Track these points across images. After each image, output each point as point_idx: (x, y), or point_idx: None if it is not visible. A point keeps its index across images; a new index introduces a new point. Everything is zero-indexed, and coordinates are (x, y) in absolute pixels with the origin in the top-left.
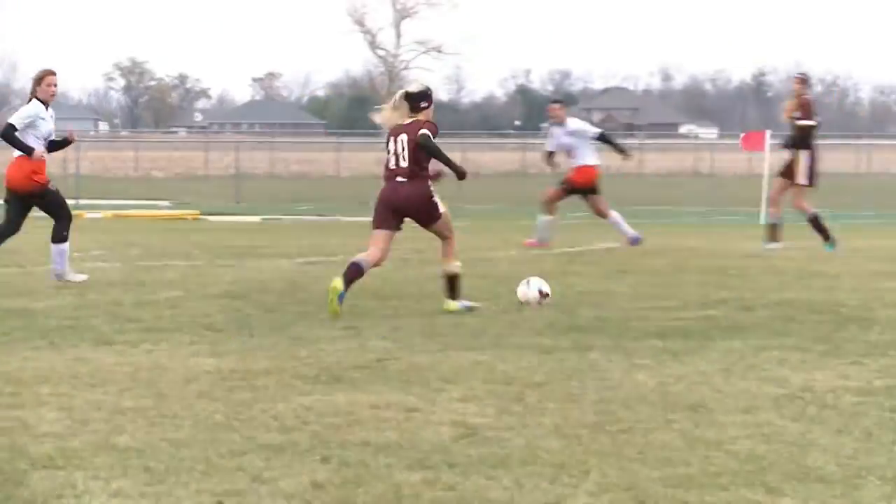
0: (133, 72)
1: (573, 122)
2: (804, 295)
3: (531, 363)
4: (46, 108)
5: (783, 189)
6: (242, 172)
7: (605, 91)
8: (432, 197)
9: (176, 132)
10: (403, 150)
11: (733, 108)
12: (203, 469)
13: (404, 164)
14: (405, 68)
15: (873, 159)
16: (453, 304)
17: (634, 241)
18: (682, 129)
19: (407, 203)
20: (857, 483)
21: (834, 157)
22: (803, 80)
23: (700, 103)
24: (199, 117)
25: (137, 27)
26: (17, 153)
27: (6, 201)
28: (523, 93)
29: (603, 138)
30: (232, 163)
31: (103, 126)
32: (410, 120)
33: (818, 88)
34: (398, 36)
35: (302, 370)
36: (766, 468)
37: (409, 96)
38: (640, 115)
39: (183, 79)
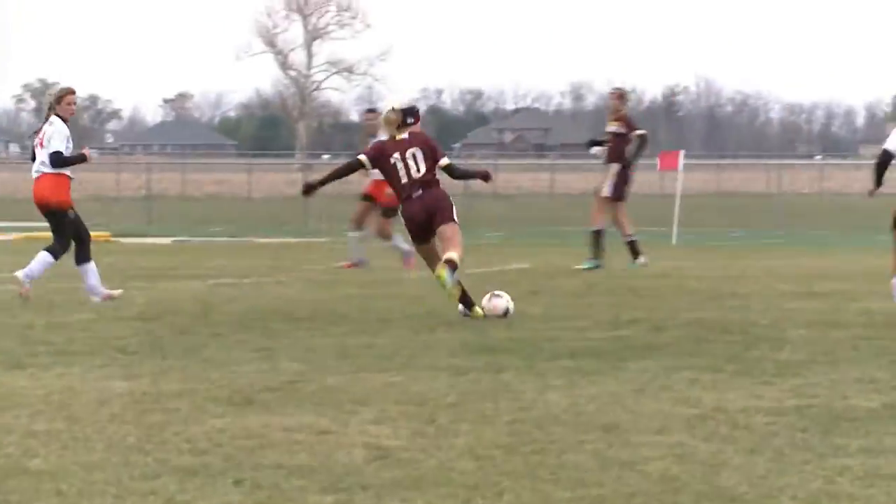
0: (43, 93)
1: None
2: (715, 315)
3: (444, 384)
4: (66, 124)
5: (615, 208)
6: (154, 194)
7: (517, 111)
8: (449, 197)
9: None
10: (416, 161)
11: (644, 127)
12: (115, 492)
13: (418, 174)
14: (316, 89)
15: (783, 179)
16: (444, 272)
17: (409, 257)
18: (594, 150)
19: (428, 209)
20: (769, 503)
21: (744, 176)
22: (621, 96)
23: None
24: (110, 138)
25: (47, 48)
26: (39, 172)
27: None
28: (435, 113)
29: None
30: (143, 184)
31: (14, 148)
32: (405, 135)
33: (728, 108)
34: (309, 56)
35: (214, 392)
36: (678, 488)
37: (400, 111)
38: (551, 135)
39: (94, 100)
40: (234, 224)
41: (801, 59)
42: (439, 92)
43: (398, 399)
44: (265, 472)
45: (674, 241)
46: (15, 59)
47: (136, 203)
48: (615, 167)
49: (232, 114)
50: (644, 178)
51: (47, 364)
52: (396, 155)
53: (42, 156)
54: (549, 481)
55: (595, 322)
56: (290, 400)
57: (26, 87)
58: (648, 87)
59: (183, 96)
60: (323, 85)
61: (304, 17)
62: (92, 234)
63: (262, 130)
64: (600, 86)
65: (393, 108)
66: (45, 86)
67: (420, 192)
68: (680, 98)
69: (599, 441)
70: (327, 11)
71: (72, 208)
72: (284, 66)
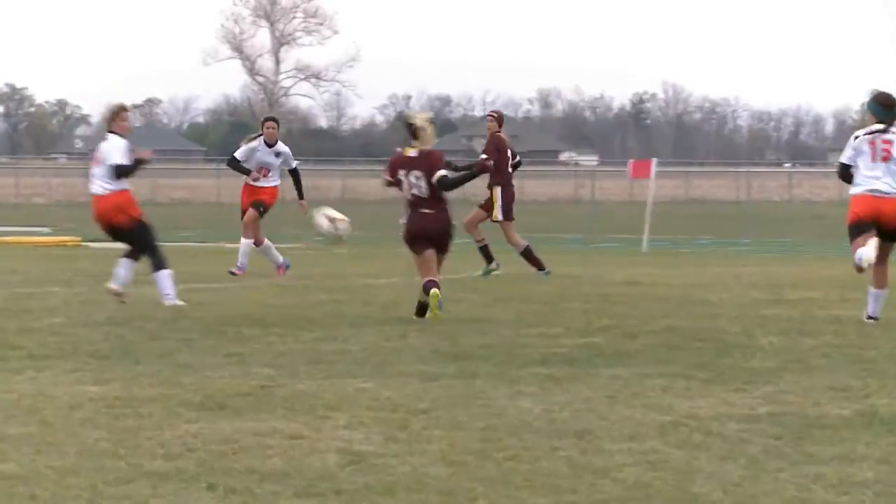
0: (12, 98)
1: (282, 146)
2: (687, 322)
3: (416, 390)
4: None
5: (480, 219)
6: None
7: (485, 118)
8: (452, 226)
9: (56, 158)
10: (419, 182)
11: (613, 135)
12: (89, 497)
13: (425, 195)
14: (284, 95)
15: (752, 186)
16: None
17: (242, 269)
18: (563, 156)
19: (434, 232)
20: None
21: (713, 184)
22: (496, 118)
23: (580, 130)
24: (79, 144)
25: (14, 53)
26: (98, 191)
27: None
28: (403, 119)
29: (296, 175)
30: None
31: None
32: (415, 153)
33: (696, 116)
34: (277, 63)
35: (187, 397)
36: (652, 495)
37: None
38: (520, 142)
39: (62, 105)
40: (204, 229)
41: (769, 67)
42: (407, 98)
43: (370, 405)
44: (238, 477)
45: (644, 248)
46: None
47: None
48: (497, 189)
49: (200, 119)
50: (614, 186)
51: (18, 368)
52: (403, 172)
53: (99, 174)
54: (524, 488)
55: (567, 329)
56: (262, 405)
57: None
58: (617, 95)
59: (151, 102)
60: (291, 91)
61: (272, 24)
62: (63, 238)
63: (231, 136)
64: (568, 93)
65: (430, 120)
66: (14, 90)
67: (427, 210)
68: (648, 105)
69: (573, 448)
70: (294, 18)
71: (141, 218)
72: (252, 72)
